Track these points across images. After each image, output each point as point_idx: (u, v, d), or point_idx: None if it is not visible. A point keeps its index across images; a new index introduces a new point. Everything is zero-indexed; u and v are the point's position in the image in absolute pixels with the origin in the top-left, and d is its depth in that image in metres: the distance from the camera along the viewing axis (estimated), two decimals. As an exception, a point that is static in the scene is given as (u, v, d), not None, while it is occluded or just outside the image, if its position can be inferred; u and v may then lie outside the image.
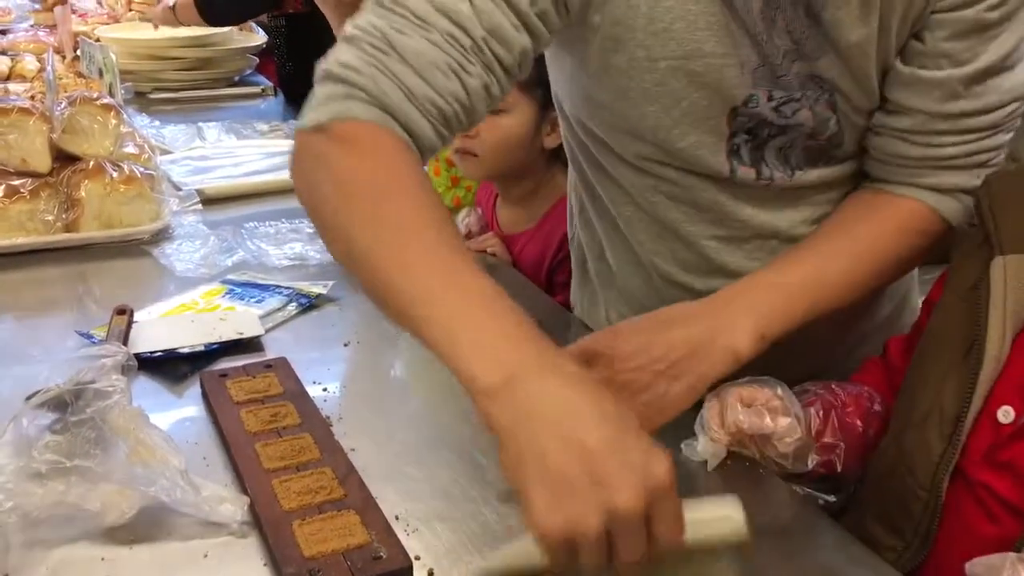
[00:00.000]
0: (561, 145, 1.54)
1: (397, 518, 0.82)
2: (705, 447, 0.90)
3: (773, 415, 0.87)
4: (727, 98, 0.93)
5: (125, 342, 1.09)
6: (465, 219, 1.58)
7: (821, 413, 0.91)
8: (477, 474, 0.90)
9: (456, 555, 0.79)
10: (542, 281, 1.49)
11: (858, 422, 0.92)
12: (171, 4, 2.36)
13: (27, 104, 1.50)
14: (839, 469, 0.90)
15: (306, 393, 1.01)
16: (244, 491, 0.85)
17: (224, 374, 1.04)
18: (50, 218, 1.43)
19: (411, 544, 0.79)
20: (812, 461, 0.89)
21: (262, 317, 1.20)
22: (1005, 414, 0.82)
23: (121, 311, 1.15)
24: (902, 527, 0.86)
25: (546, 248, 1.50)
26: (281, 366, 1.07)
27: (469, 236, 1.55)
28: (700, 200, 1.02)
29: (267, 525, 0.80)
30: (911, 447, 0.86)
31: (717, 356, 0.87)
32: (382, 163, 0.79)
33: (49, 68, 1.59)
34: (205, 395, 1.02)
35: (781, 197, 1.01)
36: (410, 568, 0.76)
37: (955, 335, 0.86)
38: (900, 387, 0.92)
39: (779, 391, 0.89)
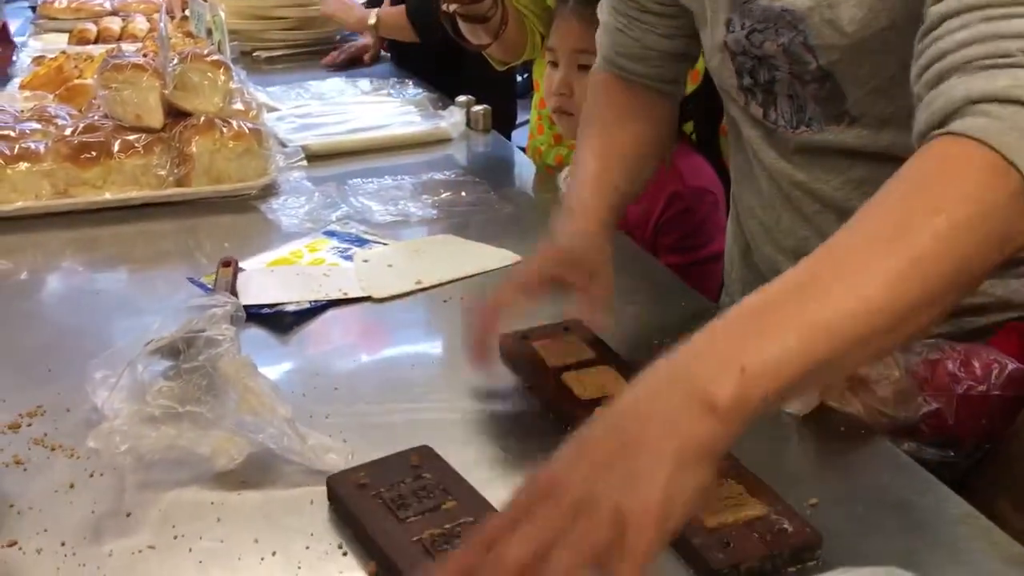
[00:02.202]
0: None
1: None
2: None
3: None
4: (715, 22, 0.98)
5: (232, 293, 1.11)
6: (567, 177, 1.55)
7: (929, 360, 0.85)
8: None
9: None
10: (647, 242, 1.46)
11: (977, 373, 0.86)
12: (372, 21, 2.34)
13: (141, 60, 1.54)
14: (951, 421, 0.85)
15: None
16: None
17: (526, 336, 1.00)
18: (163, 173, 1.46)
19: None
20: (919, 408, 0.83)
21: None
22: None
23: (226, 263, 1.17)
24: None
25: (651, 209, 1.47)
26: (581, 329, 1.01)
27: (571, 195, 1.52)
28: (744, 137, 1.06)
29: None
30: None
31: (688, 435, 0.58)
32: None
33: (162, 25, 1.62)
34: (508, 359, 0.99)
35: (801, 152, 0.99)
36: (819, 543, 0.71)
37: None
38: None
39: None
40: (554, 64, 1.52)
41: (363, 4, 2.51)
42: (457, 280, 1.18)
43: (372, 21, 2.35)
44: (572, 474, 0.56)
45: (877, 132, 0.93)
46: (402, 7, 2.30)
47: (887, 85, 0.90)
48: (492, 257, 1.26)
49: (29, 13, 2.93)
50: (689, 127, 1.55)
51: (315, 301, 1.13)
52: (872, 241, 0.63)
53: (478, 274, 1.21)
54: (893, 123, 0.91)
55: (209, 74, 1.52)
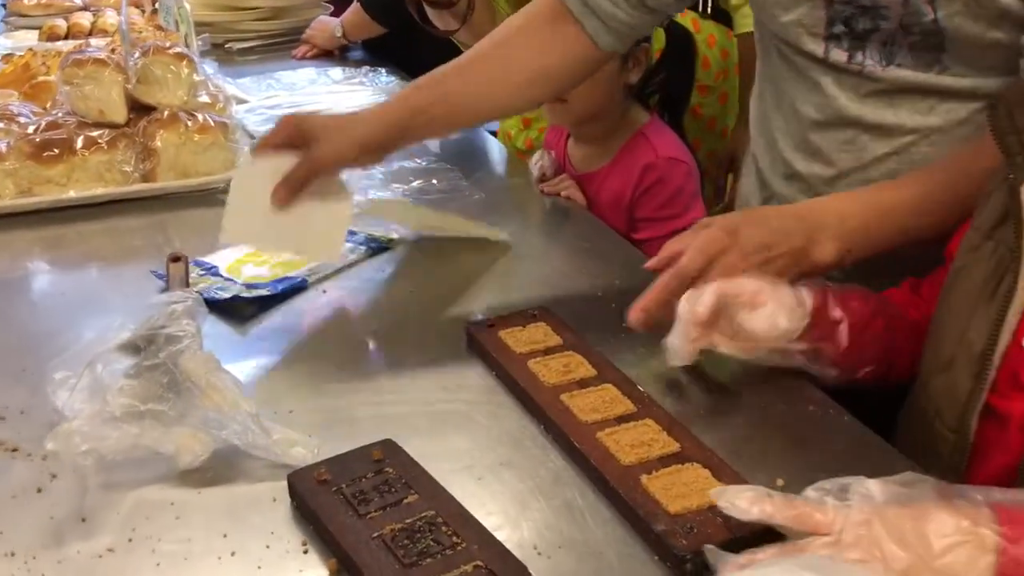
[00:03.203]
0: (637, 80, 1.51)
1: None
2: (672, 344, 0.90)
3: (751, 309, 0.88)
4: None
5: (186, 287, 1.09)
6: (539, 162, 1.54)
7: (816, 292, 0.90)
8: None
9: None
10: (623, 216, 1.46)
11: (863, 308, 0.92)
12: (339, 33, 2.32)
13: (102, 55, 1.52)
14: (845, 344, 0.89)
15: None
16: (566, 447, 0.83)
17: (492, 324, 1.00)
18: (128, 168, 1.44)
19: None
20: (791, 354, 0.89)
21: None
22: None
23: (175, 259, 1.15)
24: (931, 470, 0.82)
25: (626, 181, 1.48)
26: (549, 316, 1.01)
27: (544, 179, 1.52)
28: (808, 79, 1.08)
29: (614, 480, 0.76)
30: (939, 390, 0.84)
31: (806, 265, 0.95)
32: None
33: (123, 19, 1.60)
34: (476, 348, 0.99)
35: (877, 94, 1.03)
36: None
37: (981, 274, 0.82)
38: (926, 334, 0.89)
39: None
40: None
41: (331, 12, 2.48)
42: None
43: (339, 34, 2.33)
44: (735, 238, 0.95)
45: (962, 78, 0.98)
46: (358, 5, 2.28)
47: (992, 45, 0.93)
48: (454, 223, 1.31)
49: (0, 11, 2.90)
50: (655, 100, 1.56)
51: (276, 284, 1.13)
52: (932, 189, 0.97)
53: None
54: (983, 71, 0.96)
55: (172, 67, 1.49)
